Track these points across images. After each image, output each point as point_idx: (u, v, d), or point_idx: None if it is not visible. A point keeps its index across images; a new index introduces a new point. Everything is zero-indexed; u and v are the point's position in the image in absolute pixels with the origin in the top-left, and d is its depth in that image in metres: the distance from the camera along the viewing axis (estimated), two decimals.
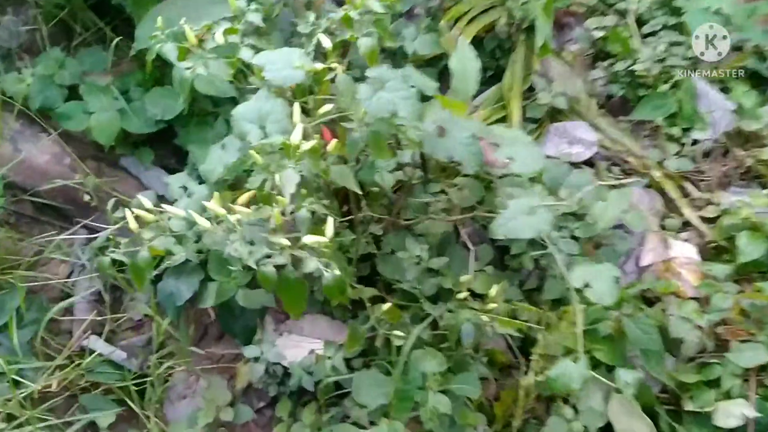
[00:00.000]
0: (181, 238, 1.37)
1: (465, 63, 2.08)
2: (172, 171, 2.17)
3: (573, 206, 1.55)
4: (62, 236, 1.91)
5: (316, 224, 1.40)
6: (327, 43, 1.39)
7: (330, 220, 1.18)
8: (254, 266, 1.16)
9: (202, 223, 1.24)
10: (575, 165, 2.27)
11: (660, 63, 2.29)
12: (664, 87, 2.28)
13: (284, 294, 1.17)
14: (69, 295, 1.99)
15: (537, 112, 2.32)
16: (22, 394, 1.75)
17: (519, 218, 1.39)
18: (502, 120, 2.25)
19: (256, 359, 1.81)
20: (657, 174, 2.17)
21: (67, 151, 2.03)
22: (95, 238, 2.07)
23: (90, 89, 2.02)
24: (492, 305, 1.64)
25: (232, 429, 1.92)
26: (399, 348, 1.67)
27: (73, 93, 2.06)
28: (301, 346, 1.91)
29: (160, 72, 2.13)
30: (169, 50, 1.41)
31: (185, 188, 1.58)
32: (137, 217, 1.35)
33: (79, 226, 1.99)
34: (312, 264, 1.13)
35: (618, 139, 2.28)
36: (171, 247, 1.34)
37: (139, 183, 2.12)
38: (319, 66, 1.39)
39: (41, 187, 1.98)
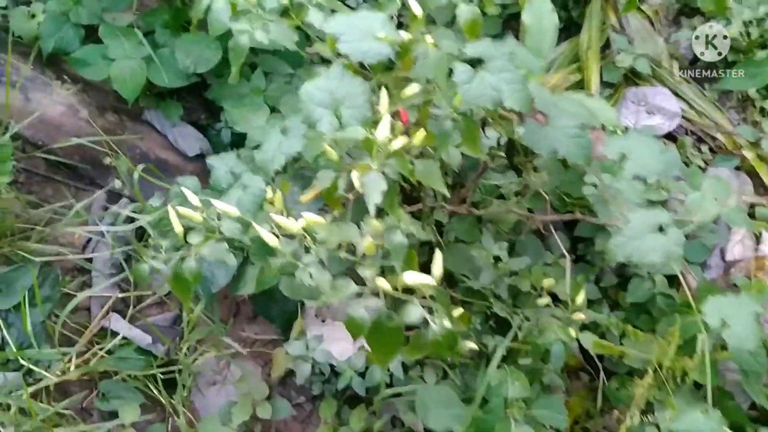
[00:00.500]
0: (232, 243, 1.13)
1: (541, 17, 1.79)
2: (201, 127, 1.93)
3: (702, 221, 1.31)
4: (79, 205, 1.66)
5: None
6: (417, 8, 1.12)
7: (439, 256, 0.95)
8: (335, 301, 0.94)
9: (271, 241, 1.00)
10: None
11: (758, 26, 2.01)
12: (761, 54, 2.01)
13: (375, 343, 0.95)
14: (85, 268, 1.76)
15: (614, 75, 2.05)
16: (36, 387, 1.54)
17: (645, 239, 1.15)
18: (579, 84, 1.99)
19: (302, 357, 1.60)
20: (750, 155, 1.92)
21: (84, 102, 1.77)
22: (116, 199, 1.84)
23: (110, 31, 1.74)
24: (578, 316, 1.42)
25: (269, 424, 1.73)
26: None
27: (90, 34, 1.78)
28: (348, 339, 1.70)
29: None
30: (221, 9, 1.14)
31: (233, 174, 1.32)
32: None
33: (102, 191, 1.74)
34: (415, 312, 0.90)
35: (705, 111, 2.02)
36: (223, 256, 1.10)
37: (165, 140, 1.87)
38: (405, 36, 1.12)
39: (55, 143, 1.73)
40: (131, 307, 1.74)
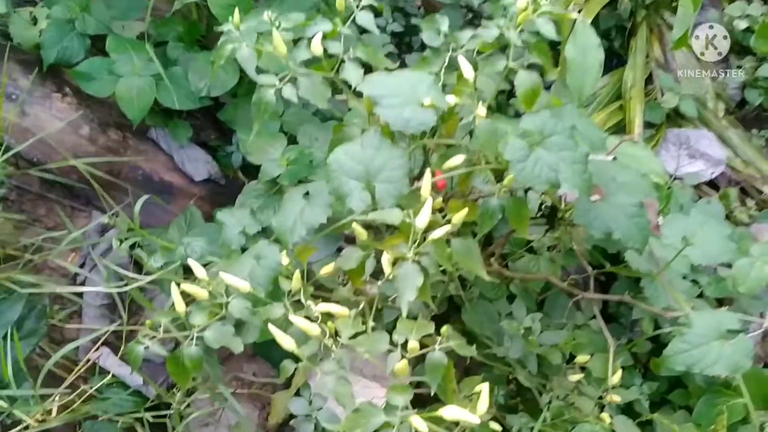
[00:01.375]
0: (241, 325, 1.01)
1: (585, 52, 1.66)
2: (210, 148, 1.79)
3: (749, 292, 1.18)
4: (75, 233, 1.52)
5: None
6: (469, 70, 0.98)
7: (486, 388, 0.82)
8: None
9: (287, 345, 0.87)
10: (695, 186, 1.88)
11: None
12: None
13: None
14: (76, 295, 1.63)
15: (656, 114, 1.91)
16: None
17: (710, 347, 1.02)
18: (619, 125, 1.85)
19: (305, 417, 1.47)
20: None
21: (86, 118, 1.62)
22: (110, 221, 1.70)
23: (119, 44, 1.59)
24: (614, 398, 1.30)
25: None
26: None
27: (96, 42, 1.63)
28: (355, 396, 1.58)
29: (207, 26, 1.71)
30: (247, 58, 1.00)
31: (246, 234, 1.19)
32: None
33: (98, 221, 1.60)
34: None
35: (751, 161, 1.88)
36: (229, 342, 0.98)
37: (171, 161, 1.73)
38: (452, 100, 0.99)
39: (51, 161, 1.59)
40: (123, 342, 1.61)
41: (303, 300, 0.99)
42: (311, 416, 1.46)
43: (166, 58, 1.62)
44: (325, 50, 1.01)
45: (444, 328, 0.86)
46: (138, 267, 1.64)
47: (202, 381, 1.64)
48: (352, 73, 0.99)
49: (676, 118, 1.94)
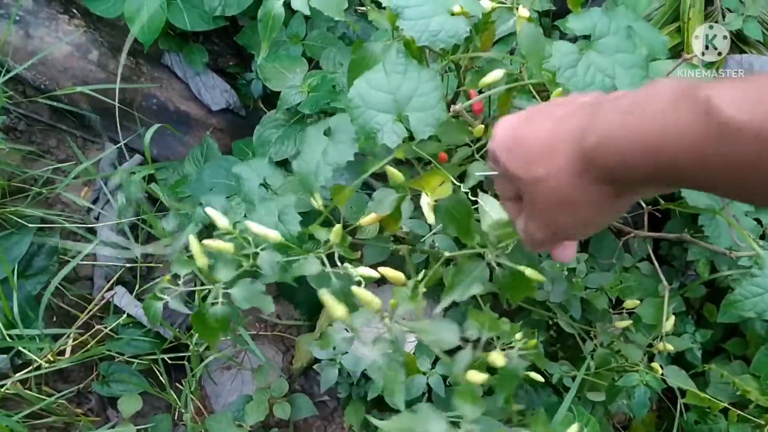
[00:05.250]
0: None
1: None
2: (229, 76, 1.67)
3: None
4: (85, 164, 1.42)
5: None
6: None
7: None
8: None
9: (338, 313, 0.73)
10: None
11: None
12: None
13: None
14: (90, 232, 1.54)
15: (716, 38, 1.72)
16: (27, 372, 1.35)
17: None
18: (676, 50, 1.68)
19: (328, 362, 1.38)
20: None
21: (95, 42, 1.51)
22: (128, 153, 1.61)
23: None
24: (666, 347, 1.17)
25: (287, 420, 1.53)
26: None
27: None
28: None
29: None
30: None
31: (267, 186, 1.04)
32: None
33: (109, 151, 1.50)
34: None
35: None
36: (259, 300, 0.84)
37: (187, 89, 1.61)
38: (488, 5, 0.85)
39: (59, 88, 1.48)
40: (138, 280, 1.52)
41: (340, 253, 0.86)
42: (335, 360, 1.37)
43: None
44: None
45: (515, 328, 0.74)
46: (153, 201, 1.55)
47: None
48: None
49: (738, 42, 1.76)
